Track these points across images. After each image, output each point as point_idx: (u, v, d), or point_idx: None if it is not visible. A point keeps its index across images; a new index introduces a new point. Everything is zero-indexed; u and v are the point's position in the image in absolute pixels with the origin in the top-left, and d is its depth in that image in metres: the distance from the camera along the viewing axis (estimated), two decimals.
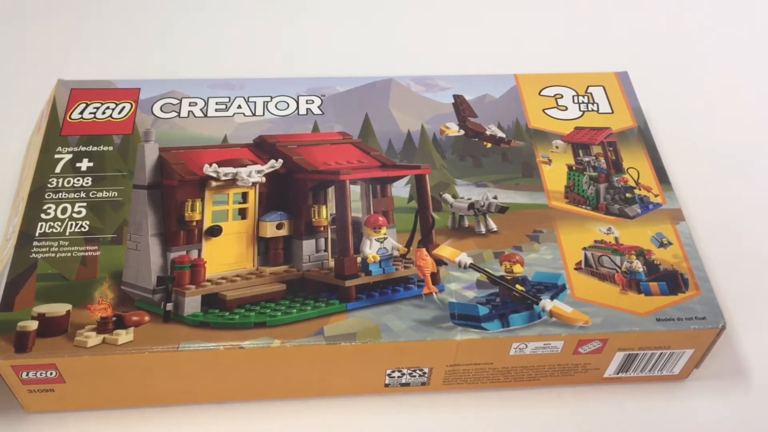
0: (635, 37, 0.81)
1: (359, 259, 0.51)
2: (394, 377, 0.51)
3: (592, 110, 0.62)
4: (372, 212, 0.54)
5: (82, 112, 0.58)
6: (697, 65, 0.78)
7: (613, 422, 0.52)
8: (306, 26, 0.80)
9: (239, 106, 0.60)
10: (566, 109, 0.62)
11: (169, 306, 0.48)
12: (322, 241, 0.53)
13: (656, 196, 0.56)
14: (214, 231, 0.51)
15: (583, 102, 0.63)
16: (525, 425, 0.51)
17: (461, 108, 0.61)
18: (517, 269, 0.51)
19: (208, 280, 0.50)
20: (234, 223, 0.52)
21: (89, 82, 0.61)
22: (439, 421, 0.51)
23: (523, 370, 0.51)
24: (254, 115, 0.60)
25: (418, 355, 0.49)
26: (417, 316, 0.48)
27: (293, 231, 0.53)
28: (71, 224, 0.52)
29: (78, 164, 0.55)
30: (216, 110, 0.60)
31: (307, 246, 0.52)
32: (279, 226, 0.53)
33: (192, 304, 0.48)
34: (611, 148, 0.59)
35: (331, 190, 0.54)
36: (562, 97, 0.63)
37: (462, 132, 0.60)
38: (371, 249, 0.52)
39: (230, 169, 0.53)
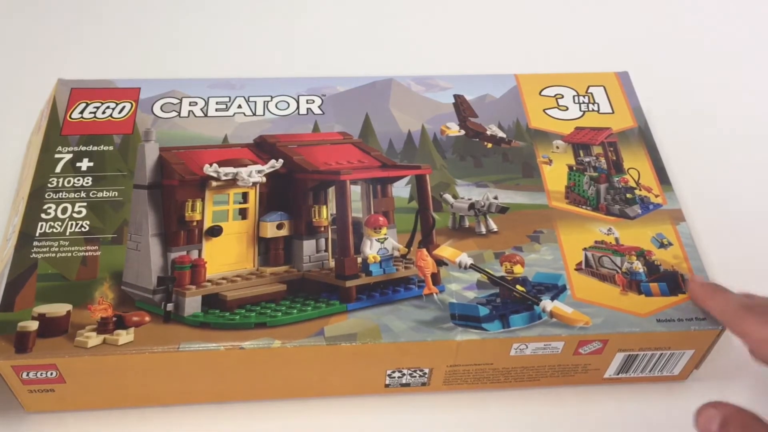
0: (636, 36, 0.81)
1: (360, 260, 0.51)
2: (394, 377, 0.51)
3: (593, 110, 0.62)
4: (372, 212, 0.54)
5: (82, 112, 0.58)
6: (697, 65, 0.78)
7: (613, 423, 0.52)
8: (306, 26, 0.80)
9: (239, 106, 0.60)
10: (567, 109, 0.62)
11: (170, 306, 0.48)
12: (322, 241, 0.53)
13: (657, 196, 0.56)
14: (215, 231, 0.51)
15: (583, 102, 0.63)
16: (525, 426, 0.51)
17: (462, 108, 0.61)
18: (518, 270, 0.51)
19: (209, 281, 0.50)
20: (234, 223, 0.52)
21: (89, 82, 0.61)
22: (440, 422, 0.51)
23: (523, 371, 0.51)
24: (254, 114, 0.60)
25: (419, 356, 0.49)
26: (417, 316, 0.48)
27: (294, 231, 0.53)
28: (71, 224, 0.51)
29: (78, 164, 0.55)
30: (216, 110, 0.60)
31: (308, 246, 0.52)
32: (279, 227, 0.53)
33: (192, 304, 0.48)
34: (612, 149, 0.59)
35: (331, 191, 0.54)
36: (562, 97, 0.63)
37: (462, 132, 0.60)
38: (372, 249, 0.52)
39: (230, 169, 0.53)
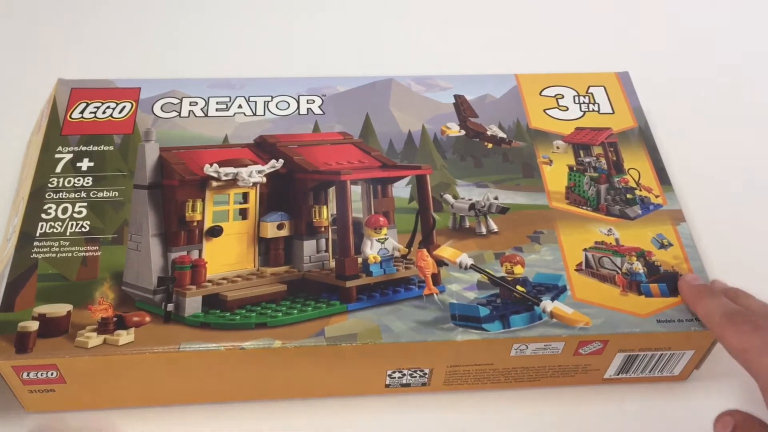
0: (636, 36, 0.81)
1: (360, 260, 0.51)
2: (394, 378, 0.51)
3: (593, 110, 0.62)
4: (373, 213, 0.54)
5: (82, 112, 0.58)
6: (697, 65, 0.78)
7: (613, 423, 0.52)
8: (307, 26, 0.80)
9: (240, 106, 0.60)
10: (567, 109, 0.62)
11: (170, 306, 0.48)
12: (322, 241, 0.53)
13: (657, 196, 0.56)
14: (215, 231, 0.51)
15: (584, 102, 0.63)
16: (525, 426, 0.51)
17: (462, 108, 0.61)
18: (518, 270, 0.51)
19: (209, 281, 0.50)
20: (235, 223, 0.52)
21: (90, 82, 0.61)
22: (440, 422, 0.51)
23: (523, 371, 0.51)
24: (255, 114, 0.60)
25: (419, 356, 0.49)
26: (418, 316, 0.48)
27: (294, 231, 0.53)
28: (72, 224, 0.51)
29: (78, 164, 0.55)
30: (217, 110, 0.60)
31: (308, 246, 0.52)
32: (280, 227, 0.53)
33: (193, 304, 0.48)
34: (612, 149, 0.59)
35: (331, 191, 0.54)
36: (563, 97, 0.63)
37: (463, 132, 0.60)
38: (372, 249, 0.52)
39: (231, 169, 0.53)
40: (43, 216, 0.52)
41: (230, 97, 0.61)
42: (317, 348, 0.47)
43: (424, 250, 0.52)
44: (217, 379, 0.49)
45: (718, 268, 0.55)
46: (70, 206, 0.52)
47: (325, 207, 0.53)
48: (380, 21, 0.81)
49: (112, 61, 0.74)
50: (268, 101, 0.61)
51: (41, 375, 0.46)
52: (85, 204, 0.53)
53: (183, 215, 0.51)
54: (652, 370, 0.52)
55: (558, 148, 0.59)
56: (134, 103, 0.59)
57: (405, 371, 0.50)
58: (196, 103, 0.60)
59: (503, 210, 0.55)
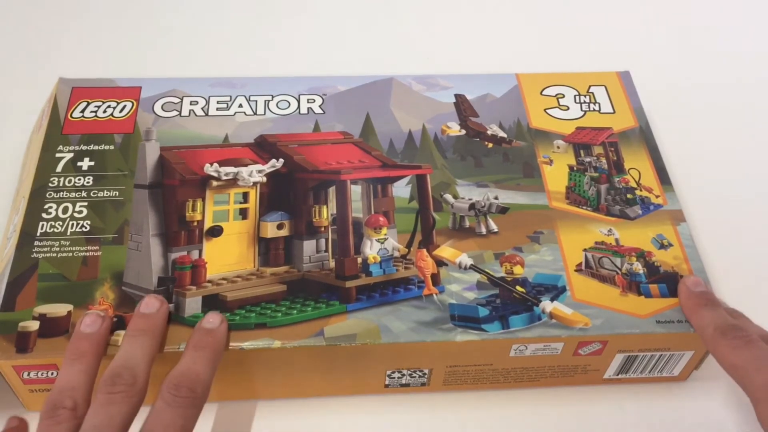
0: (637, 35, 0.81)
1: (360, 260, 0.51)
2: (394, 378, 0.51)
3: (594, 110, 0.62)
4: (373, 212, 0.54)
5: (83, 111, 0.58)
6: (699, 64, 0.78)
7: (613, 423, 0.52)
8: (307, 25, 0.80)
9: (240, 105, 0.60)
10: (568, 108, 0.62)
11: (170, 307, 0.48)
12: (322, 241, 0.53)
13: (657, 197, 0.56)
14: (215, 231, 0.51)
15: (584, 102, 0.62)
16: (525, 426, 0.52)
17: (462, 107, 0.61)
18: (518, 270, 0.51)
19: (209, 281, 0.50)
20: (235, 223, 0.52)
21: (91, 81, 0.61)
22: (439, 421, 0.52)
23: (523, 371, 0.51)
24: (255, 114, 0.60)
25: (418, 356, 0.49)
26: (417, 317, 0.48)
27: (294, 231, 0.53)
28: (72, 224, 0.52)
29: (79, 163, 0.55)
30: (217, 109, 0.60)
31: (308, 246, 0.52)
32: (280, 227, 0.53)
33: (192, 305, 0.48)
34: (612, 149, 0.59)
35: (332, 190, 0.54)
36: (563, 96, 0.63)
37: (463, 132, 0.60)
38: (372, 249, 0.52)
39: (231, 169, 0.53)
40: (44, 215, 0.52)
41: (231, 97, 0.61)
42: (316, 348, 0.47)
43: (424, 250, 0.52)
44: (216, 378, 0.48)
45: (719, 269, 0.55)
46: (70, 206, 0.52)
47: (325, 207, 0.53)
48: (382, 19, 0.81)
49: (114, 59, 0.74)
50: (269, 100, 0.61)
51: (42, 375, 0.46)
52: (86, 203, 0.53)
53: (183, 215, 0.51)
54: (652, 371, 0.52)
55: (558, 147, 0.59)
56: (135, 102, 0.59)
57: (404, 371, 0.50)
58: (197, 102, 0.60)
59: (503, 210, 0.55)
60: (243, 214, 0.53)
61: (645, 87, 0.64)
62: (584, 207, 0.56)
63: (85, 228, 0.51)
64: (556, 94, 0.63)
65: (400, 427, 0.51)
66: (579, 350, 0.49)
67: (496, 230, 0.54)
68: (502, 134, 0.60)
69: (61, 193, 0.53)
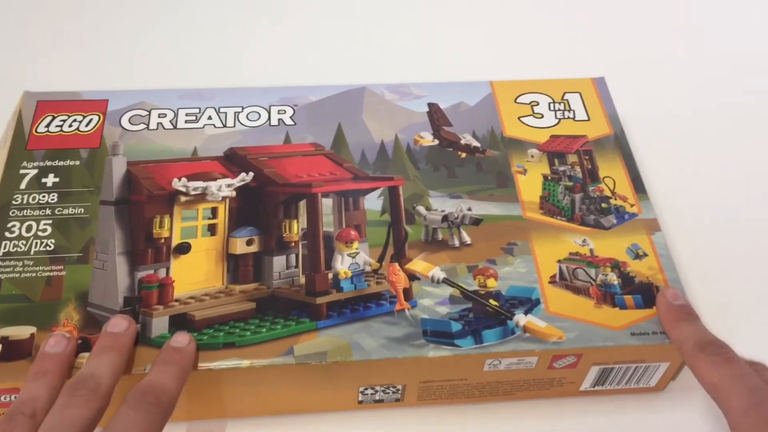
0: (613, 41, 0.80)
1: (330, 275, 0.51)
2: (367, 394, 0.50)
3: (569, 117, 0.61)
4: (344, 226, 0.53)
5: (48, 125, 0.57)
6: (674, 71, 0.77)
7: None
8: (278, 33, 0.79)
9: (210, 117, 0.59)
10: (542, 116, 0.61)
11: (137, 327, 0.47)
12: (292, 257, 0.52)
13: (632, 206, 0.56)
14: (183, 248, 0.51)
15: (559, 109, 0.62)
16: None
17: (435, 117, 0.60)
18: (491, 283, 0.50)
19: (176, 300, 0.49)
20: (203, 239, 0.51)
21: (56, 94, 0.60)
22: None
23: (497, 385, 0.51)
24: (225, 126, 0.59)
25: (391, 373, 0.48)
26: (389, 333, 0.48)
27: (264, 247, 0.52)
28: (36, 243, 0.50)
29: (44, 180, 0.54)
30: (186, 121, 0.59)
31: (278, 262, 0.51)
32: (249, 242, 0.52)
33: (159, 325, 0.47)
34: (587, 157, 0.58)
35: (302, 204, 0.53)
36: (538, 104, 0.62)
37: (436, 142, 0.59)
38: (343, 264, 0.51)
39: (200, 183, 0.52)
40: (7, 234, 0.51)
41: (200, 108, 0.60)
42: (286, 367, 0.46)
43: (396, 264, 0.51)
44: (184, 397, 0.48)
45: (694, 279, 0.55)
46: (34, 224, 0.51)
47: (295, 221, 0.52)
48: (354, 27, 0.80)
49: (80, 71, 0.72)
50: (239, 112, 0.60)
51: (4, 399, 0.45)
52: (50, 221, 0.52)
53: (150, 232, 0.50)
54: (628, 382, 0.51)
55: (532, 156, 0.58)
56: (101, 116, 0.58)
57: (377, 388, 0.49)
58: (165, 115, 0.59)
59: (476, 221, 0.54)
60: (211, 230, 0.52)
61: (620, 93, 0.63)
62: (558, 217, 0.55)
63: (50, 247, 0.50)
64: (531, 102, 0.62)
65: None
66: (554, 363, 0.49)
67: (469, 242, 0.53)
68: (475, 144, 0.59)
69: (25, 211, 0.52)
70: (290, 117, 0.60)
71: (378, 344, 0.47)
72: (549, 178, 0.57)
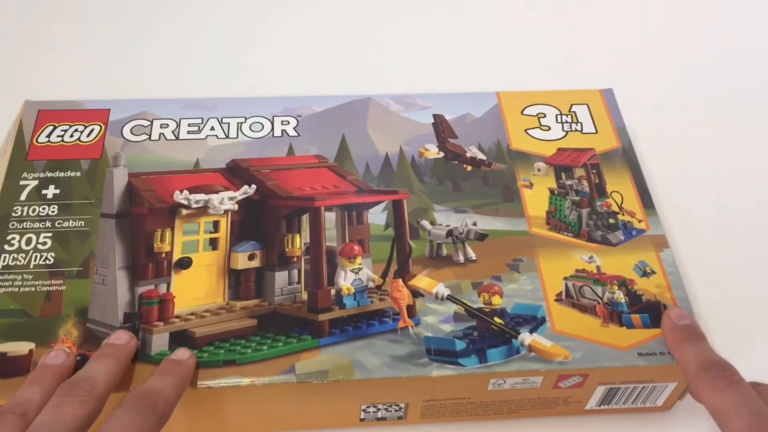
0: (622, 53, 0.79)
1: (333, 292, 0.50)
2: (369, 412, 0.49)
3: (576, 130, 0.60)
4: (347, 241, 0.52)
5: (49, 135, 0.57)
6: (684, 83, 0.76)
7: None
8: (282, 42, 0.78)
9: (212, 128, 0.59)
10: (549, 129, 0.60)
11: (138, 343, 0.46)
12: (295, 272, 0.51)
13: (640, 221, 0.55)
14: (184, 263, 0.50)
15: (566, 122, 0.61)
16: None
17: (441, 128, 0.60)
18: (496, 301, 0.50)
19: (177, 316, 0.48)
20: (205, 254, 0.51)
21: (57, 103, 0.59)
22: None
23: (502, 404, 0.50)
24: (227, 137, 0.58)
25: (393, 392, 0.47)
26: (392, 351, 0.47)
27: (266, 262, 0.51)
28: (36, 256, 0.50)
29: (44, 191, 0.53)
30: (188, 132, 0.58)
31: (280, 278, 0.51)
32: (251, 257, 0.51)
33: (159, 342, 0.46)
34: (594, 171, 0.57)
35: (305, 218, 0.52)
36: (545, 116, 0.61)
37: (441, 154, 0.58)
38: (346, 280, 0.50)
39: (202, 196, 0.51)
40: (6, 247, 0.50)
41: (202, 119, 0.59)
42: (287, 385, 0.45)
43: (400, 281, 0.50)
44: (184, 415, 0.47)
45: (703, 298, 0.54)
46: (34, 237, 0.51)
47: (298, 235, 0.52)
48: (359, 37, 0.79)
49: (82, 80, 0.72)
50: (242, 123, 0.59)
51: None
52: (50, 234, 0.51)
53: (151, 246, 0.49)
54: (635, 402, 0.51)
55: (539, 170, 0.57)
56: (103, 126, 0.58)
57: (380, 406, 0.49)
58: (167, 126, 0.58)
59: (482, 237, 0.53)
60: (213, 244, 0.51)
61: (628, 105, 0.62)
62: (565, 233, 0.54)
63: (49, 261, 0.50)
64: (538, 114, 0.61)
65: None
66: (559, 383, 0.48)
67: (474, 258, 0.52)
68: (481, 157, 0.58)
69: (25, 223, 0.51)
70: (294, 128, 0.59)
71: (381, 363, 0.46)
72: (556, 192, 0.56)
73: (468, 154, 0.58)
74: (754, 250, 0.61)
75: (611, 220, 0.55)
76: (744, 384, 0.42)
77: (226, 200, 0.52)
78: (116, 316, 0.47)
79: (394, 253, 0.52)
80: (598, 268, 0.52)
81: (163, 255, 0.50)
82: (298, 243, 0.52)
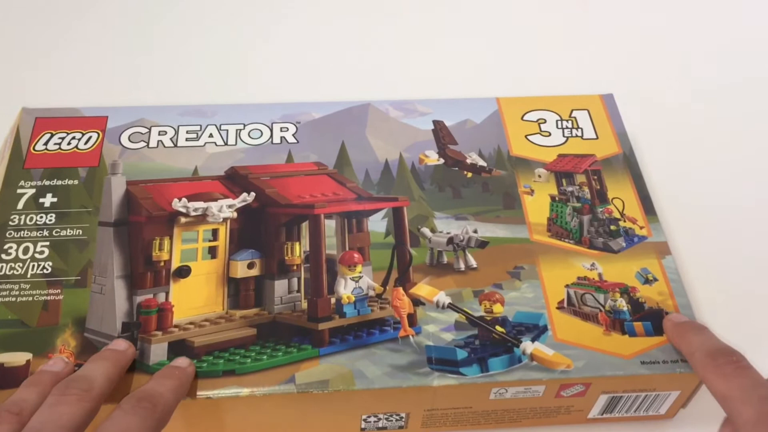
0: (622, 57, 0.79)
1: (333, 300, 0.50)
2: (369, 422, 0.49)
3: (577, 136, 0.60)
4: (347, 249, 0.52)
5: (46, 143, 0.56)
6: (684, 88, 0.75)
7: None
8: (281, 48, 0.78)
9: (211, 135, 0.58)
10: (549, 134, 0.60)
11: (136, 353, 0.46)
12: (294, 281, 0.51)
13: (641, 228, 0.54)
14: (183, 272, 0.49)
15: (567, 127, 0.61)
16: None
17: (441, 135, 0.59)
18: (497, 309, 0.49)
19: (176, 326, 0.48)
20: (203, 262, 0.50)
21: (55, 110, 0.59)
22: None
23: (504, 413, 0.49)
24: (226, 144, 0.58)
25: (394, 402, 0.47)
26: (392, 360, 0.47)
27: (265, 270, 0.51)
28: (33, 265, 0.49)
29: (41, 200, 0.53)
30: (187, 139, 0.58)
31: (279, 287, 0.50)
32: (250, 266, 0.51)
33: (158, 351, 0.46)
34: (595, 177, 0.57)
35: (305, 226, 0.52)
36: (545, 122, 0.61)
37: (441, 161, 0.58)
38: (346, 289, 0.50)
39: (200, 204, 0.51)
40: (3, 256, 0.50)
41: (201, 126, 0.59)
42: (287, 396, 0.45)
43: (400, 289, 0.50)
44: (183, 427, 0.47)
45: (705, 305, 0.54)
46: (31, 246, 0.50)
47: (297, 243, 0.51)
48: (358, 42, 0.79)
49: (79, 87, 0.71)
50: (240, 129, 0.59)
51: None
52: (48, 243, 0.51)
53: (150, 254, 0.49)
54: (638, 410, 0.50)
55: (540, 176, 0.57)
56: (101, 133, 0.57)
57: (380, 415, 0.48)
58: (166, 133, 0.58)
59: (483, 244, 0.53)
60: (212, 252, 0.51)
61: (629, 110, 0.62)
62: (566, 240, 0.54)
63: (47, 270, 0.49)
64: (538, 119, 0.61)
65: None
66: (561, 392, 0.48)
67: (475, 266, 0.52)
68: (482, 163, 0.58)
69: (22, 232, 0.51)
70: (293, 135, 0.59)
71: (381, 372, 0.46)
72: (557, 198, 0.56)
73: (468, 161, 0.58)
74: (758, 257, 0.60)
75: (613, 227, 0.54)
76: (752, 369, 0.41)
77: (225, 208, 0.51)
78: (114, 326, 0.47)
79: (395, 261, 0.52)
80: (599, 275, 0.51)
81: (162, 263, 0.49)
82: (298, 251, 0.51)
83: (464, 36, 0.81)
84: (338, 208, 0.53)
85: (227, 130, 0.59)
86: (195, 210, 0.51)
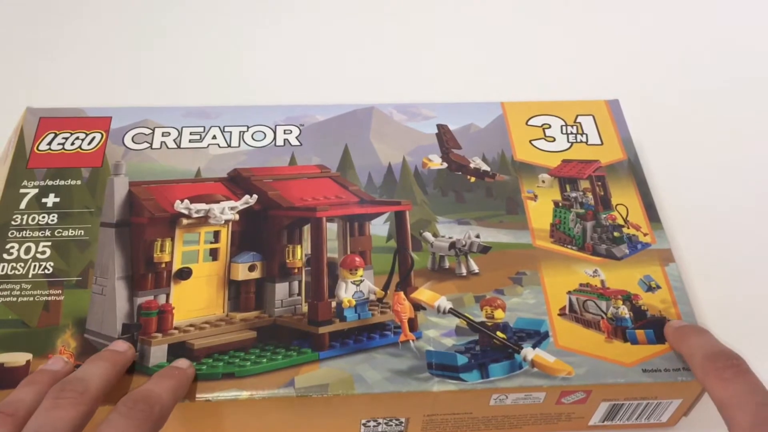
0: (628, 63, 0.78)
1: (334, 304, 0.49)
2: (369, 427, 0.49)
3: (581, 141, 0.60)
4: (348, 252, 0.52)
5: (50, 143, 0.56)
6: (690, 94, 0.75)
7: None
8: (285, 51, 0.78)
9: (214, 137, 0.58)
10: (554, 140, 0.60)
11: (135, 355, 0.46)
12: (295, 284, 0.51)
13: (645, 235, 0.54)
14: (184, 274, 0.49)
15: (571, 132, 0.60)
16: None
17: (445, 139, 0.59)
18: (499, 315, 0.49)
19: (176, 328, 0.48)
20: (205, 264, 0.50)
21: (59, 110, 0.59)
22: None
23: (504, 419, 0.49)
24: (229, 146, 0.58)
25: (394, 406, 0.47)
26: (392, 365, 0.46)
27: (266, 273, 0.51)
28: (35, 265, 0.49)
29: (44, 199, 0.53)
30: (190, 141, 0.58)
31: (280, 290, 0.50)
32: (251, 268, 0.51)
33: (158, 353, 0.46)
34: (599, 183, 0.57)
35: (306, 229, 0.52)
36: (549, 127, 0.61)
37: (445, 165, 0.58)
38: (347, 292, 0.50)
39: (202, 206, 0.51)
40: (5, 256, 0.50)
41: (204, 127, 0.59)
42: (287, 399, 0.45)
43: (401, 293, 0.50)
44: (183, 428, 0.47)
45: (709, 313, 0.53)
46: (33, 246, 0.50)
47: (299, 246, 0.51)
48: (363, 45, 0.79)
49: (84, 87, 0.71)
50: (244, 131, 0.59)
51: None
52: (49, 243, 0.51)
53: (151, 256, 0.49)
54: (639, 418, 0.50)
55: (543, 182, 0.57)
56: (104, 134, 0.57)
57: (380, 420, 0.48)
58: (169, 134, 0.58)
59: (485, 249, 0.53)
60: (213, 254, 0.51)
61: (634, 116, 0.62)
62: (569, 246, 0.54)
63: (48, 270, 0.49)
64: (542, 125, 0.61)
65: None
66: (562, 399, 0.47)
67: (477, 271, 0.52)
68: (485, 168, 0.57)
69: (24, 231, 0.51)
70: (296, 137, 0.59)
71: (381, 377, 0.46)
72: (560, 204, 0.56)
73: (472, 165, 0.57)
74: (762, 266, 0.60)
75: (616, 234, 0.54)
76: (751, 374, 0.41)
77: (227, 210, 0.51)
78: (115, 327, 0.47)
79: (396, 265, 0.51)
80: (602, 282, 0.51)
81: (163, 265, 0.49)
82: (299, 254, 0.51)
83: (470, 40, 0.80)
84: (340, 211, 0.52)
85: (230, 132, 0.59)
86: (197, 212, 0.51)
